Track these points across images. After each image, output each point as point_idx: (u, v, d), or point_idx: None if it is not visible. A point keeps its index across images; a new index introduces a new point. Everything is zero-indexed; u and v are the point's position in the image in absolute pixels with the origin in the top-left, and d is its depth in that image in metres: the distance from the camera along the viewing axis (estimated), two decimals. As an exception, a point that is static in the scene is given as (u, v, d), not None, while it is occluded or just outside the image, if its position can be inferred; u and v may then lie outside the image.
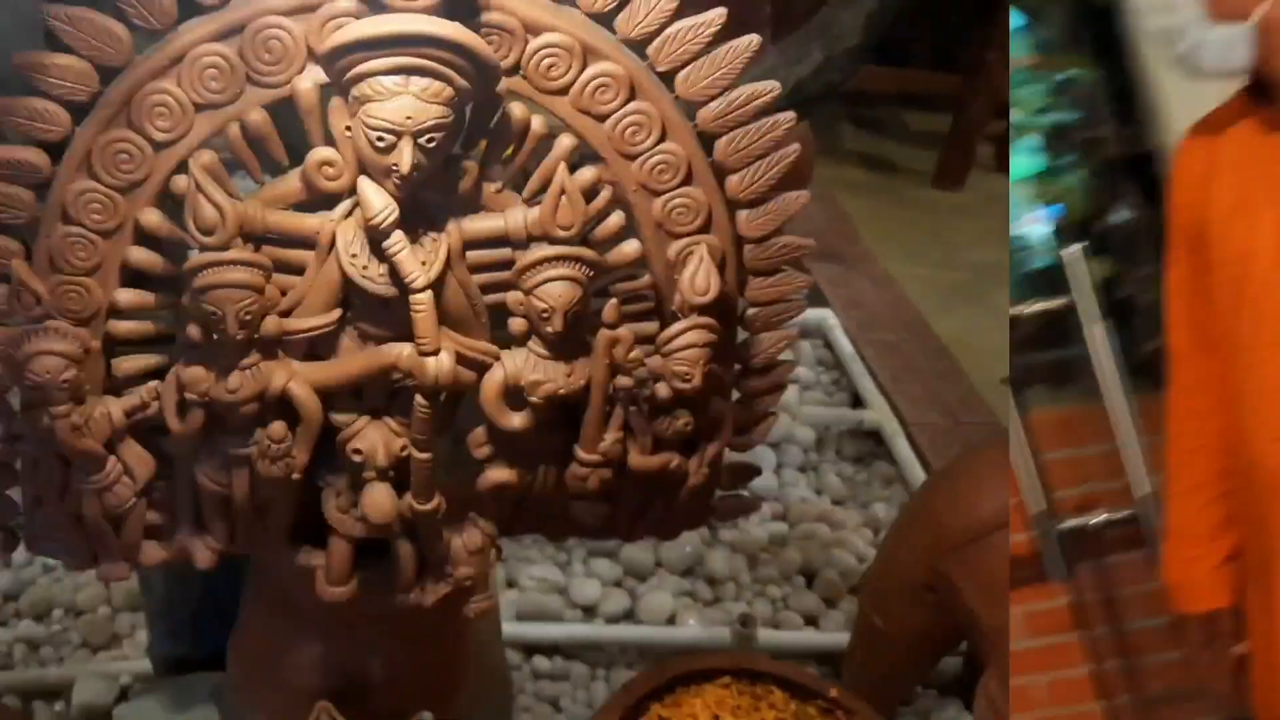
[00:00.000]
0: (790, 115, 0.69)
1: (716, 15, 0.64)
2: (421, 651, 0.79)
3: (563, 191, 0.62)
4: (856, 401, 1.59)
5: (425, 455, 0.64)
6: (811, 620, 1.29)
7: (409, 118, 0.56)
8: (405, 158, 0.56)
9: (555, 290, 0.63)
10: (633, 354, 0.67)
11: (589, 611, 1.25)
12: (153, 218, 0.61)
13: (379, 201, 0.58)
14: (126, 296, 0.63)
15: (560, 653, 1.20)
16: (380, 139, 0.56)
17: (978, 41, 2.50)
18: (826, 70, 1.16)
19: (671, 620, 1.24)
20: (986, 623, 0.94)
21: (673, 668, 0.91)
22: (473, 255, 0.63)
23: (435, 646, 0.80)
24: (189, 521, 0.70)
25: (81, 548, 0.71)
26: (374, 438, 0.64)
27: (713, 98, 0.66)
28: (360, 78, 0.56)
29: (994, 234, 2.39)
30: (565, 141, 0.64)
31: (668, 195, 0.68)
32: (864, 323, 1.71)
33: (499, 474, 0.68)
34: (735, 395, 0.77)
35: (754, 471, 0.83)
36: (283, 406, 0.63)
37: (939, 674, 1.20)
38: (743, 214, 0.70)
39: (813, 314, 1.71)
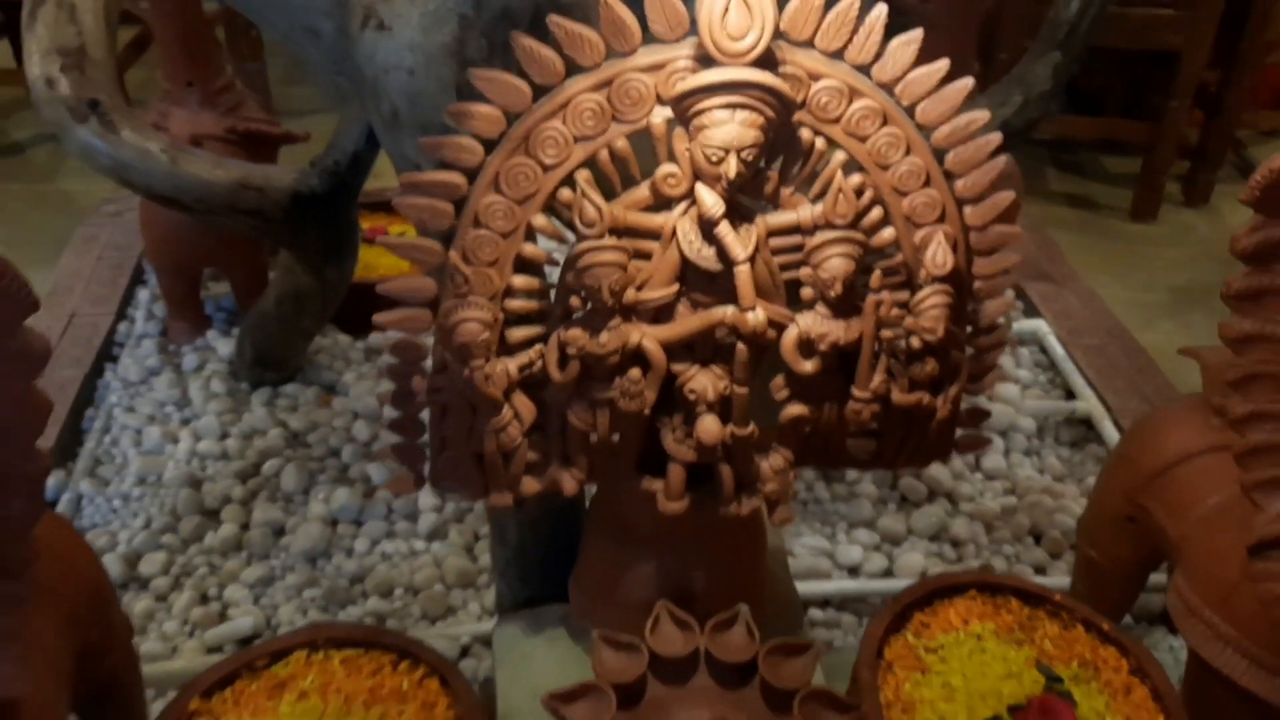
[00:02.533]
0: (998, 135, 0.85)
1: (942, 64, 0.81)
2: (732, 565, 0.96)
3: (840, 192, 0.81)
4: (1069, 395, 1.71)
5: (744, 390, 0.82)
6: (1040, 570, 1.43)
7: (734, 140, 0.76)
8: (731, 169, 0.76)
9: (836, 265, 0.81)
10: (893, 313, 0.85)
11: (853, 571, 1.42)
12: (541, 220, 0.82)
13: (711, 200, 0.78)
14: (520, 280, 0.84)
15: (831, 605, 1.37)
16: (713, 156, 0.76)
17: (1162, 92, 2.64)
18: (1025, 110, 1.33)
19: (923, 575, 1.39)
20: (1174, 535, 1.06)
21: (931, 583, 1.07)
22: (774, 242, 0.82)
23: (743, 562, 0.98)
24: (559, 458, 0.91)
25: (478, 482, 0.91)
26: (704, 380, 0.83)
27: (942, 123, 0.84)
28: (699, 112, 0.76)
29: (1185, 261, 2.54)
30: (839, 156, 0.82)
31: (913, 195, 0.84)
32: (1073, 330, 1.81)
33: (795, 409, 0.86)
34: (969, 351, 0.93)
35: (985, 414, 0.98)
36: (636, 358, 0.83)
37: (1148, 608, 1.35)
38: (968, 209, 0.87)
39: (1029, 324, 1.84)
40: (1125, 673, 1.02)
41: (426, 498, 1.50)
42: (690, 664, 0.90)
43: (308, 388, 1.71)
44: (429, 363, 0.88)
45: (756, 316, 0.79)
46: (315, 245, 1.38)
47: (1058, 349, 1.78)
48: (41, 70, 1.21)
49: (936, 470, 1.55)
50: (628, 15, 0.76)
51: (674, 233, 0.80)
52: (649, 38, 0.78)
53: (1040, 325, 1.83)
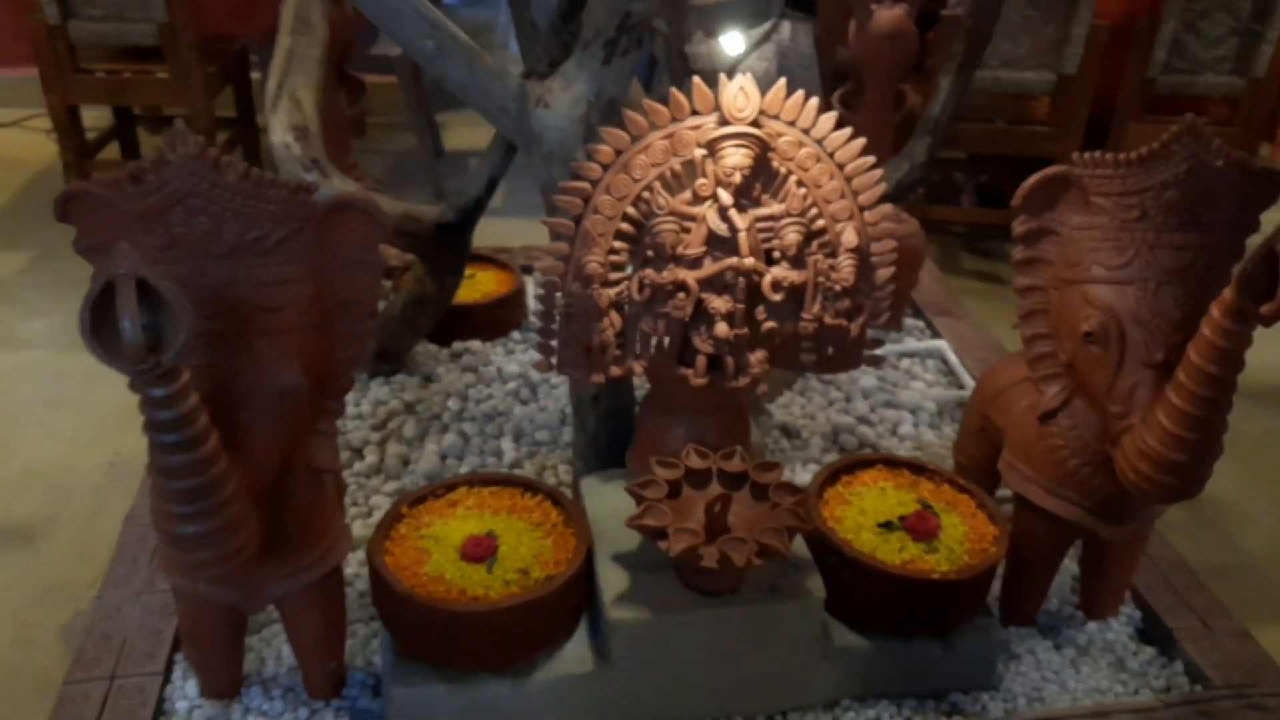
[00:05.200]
0: (881, 171, 1.50)
1: (850, 130, 1.46)
2: (732, 422, 1.56)
3: (794, 197, 1.44)
4: (960, 388, 2.34)
5: (742, 307, 1.44)
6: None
7: (738, 163, 1.39)
8: (737, 177, 1.39)
9: (791, 237, 1.43)
10: (824, 267, 1.47)
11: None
12: (633, 210, 1.45)
13: (726, 197, 1.41)
14: (618, 244, 1.45)
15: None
16: (727, 172, 1.39)
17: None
18: (910, 174, 1.99)
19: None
20: (1004, 428, 1.67)
21: (852, 458, 1.68)
22: (758, 225, 1.45)
23: (738, 420, 1.57)
24: (632, 353, 1.51)
25: (585, 366, 1.51)
26: (719, 302, 1.44)
27: (851, 162, 1.47)
28: (719, 149, 1.39)
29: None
30: (793, 179, 1.46)
31: (834, 202, 1.46)
32: (965, 347, 2.45)
33: (769, 324, 1.47)
34: (870, 297, 1.55)
35: (881, 342, 1.60)
36: (682, 287, 1.44)
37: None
38: (866, 213, 1.50)
39: (934, 344, 2.48)
40: (973, 506, 1.63)
41: (508, 441, 2.08)
42: (707, 476, 1.49)
43: (411, 377, 2.29)
44: (560, 294, 1.49)
45: (750, 262, 1.42)
46: (443, 259, 2.00)
47: (954, 359, 2.41)
48: (281, 139, 1.84)
49: (865, 431, 2.16)
50: (683, 99, 1.40)
51: (704, 216, 1.43)
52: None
53: (942, 345, 2.47)
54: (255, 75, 3.85)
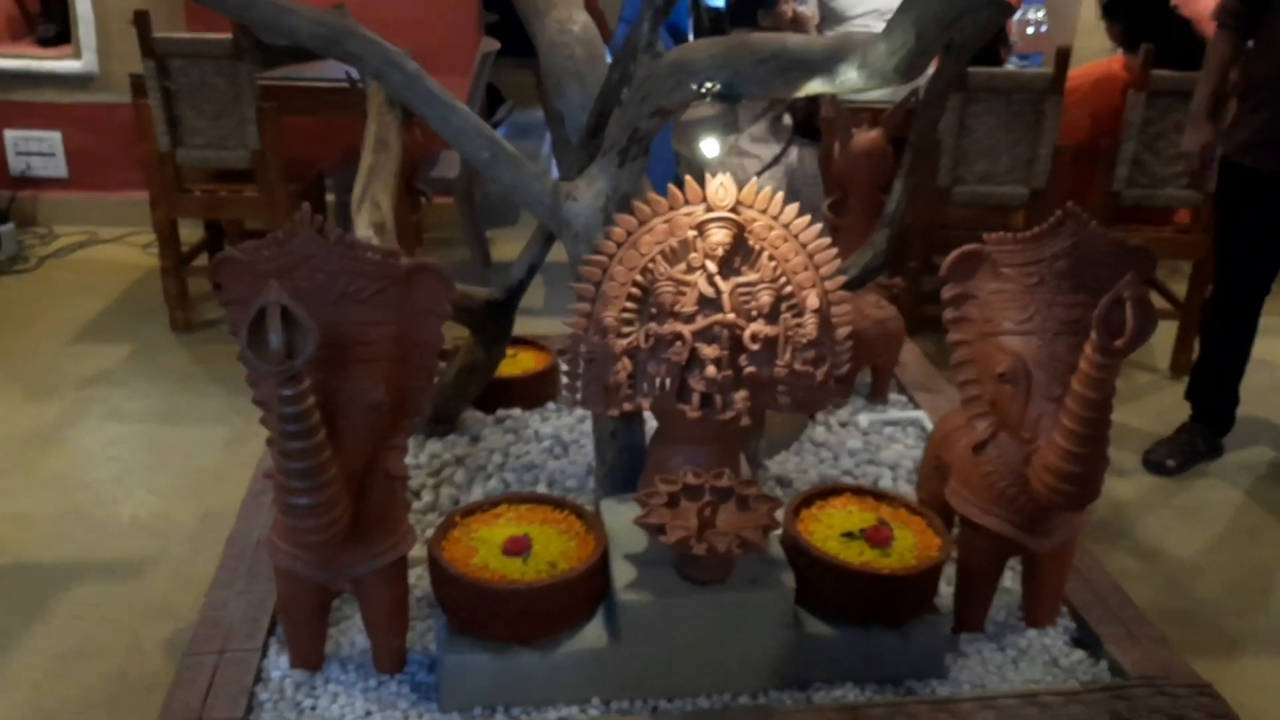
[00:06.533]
0: (835, 250, 1.88)
1: (809, 218, 1.85)
2: (722, 451, 1.91)
3: (766, 266, 1.82)
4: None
5: (727, 354, 1.80)
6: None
7: (722, 240, 1.77)
8: (720, 251, 1.77)
9: (765, 299, 1.80)
10: (793, 323, 1.84)
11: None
12: (640, 278, 1.83)
13: (712, 266, 1.79)
14: (629, 304, 1.84)
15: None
16: (713, 246, 1.77)
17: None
18: (873, 260, 2.37)
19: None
20: (951, 461, 1.99)
21: (825, 486, 2.01)
22: (738, 289, 1.82)
23: (727, 448, 1.92)
24: (640, 392, 1.87)
25: (603, 402, 1.88)
26: (709, 350, 1.80)
27: (813, 242, 1.86)
28: (707, 229, 1.78)
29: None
30: (766, 254, 1.85)
31: (800, 273, 1.84)
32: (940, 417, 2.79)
33: (750, 370, 1.83)
34: (833, 351, 1.91)
35: (848, 391, 1.95)
36: (679, 338, 1.81)
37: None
38: (827, 282, 1.87)
39: (913, 414, 2.81)
40: (924, 525, 1.95)
41: (542, 487, 2.43)
42: (700, 490, 1.83)
43: (461, 437, 2.66)
44: (583, 344, 1.86)
45: (733, 318, 1.79)
46: (492, 332, 2.39)
47: (930, 427, 2.75)
48: (364, 233, 2.26)
49: (848, 483, 2.48)
50: (678, 193, 1.80)
51: (696, 282, 1.81)
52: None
53: (921, 415, 2.81)
54: (330, 197, 4.36)
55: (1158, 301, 4.14)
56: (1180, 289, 3.98)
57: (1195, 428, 3.42)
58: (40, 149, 5.11)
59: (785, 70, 1.55)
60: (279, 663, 1.84)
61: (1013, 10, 4.07)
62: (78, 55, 4.97)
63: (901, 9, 1.35)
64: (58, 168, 5.14)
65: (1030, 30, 4.72)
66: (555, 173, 2.25)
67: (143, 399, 3.48)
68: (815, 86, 1.54)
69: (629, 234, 1.81)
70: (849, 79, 1.45)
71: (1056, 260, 1.76)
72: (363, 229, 2.27)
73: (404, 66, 1.82)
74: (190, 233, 4.47)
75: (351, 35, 1.78)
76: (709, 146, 1.87)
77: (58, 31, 5.08)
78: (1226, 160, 3.15)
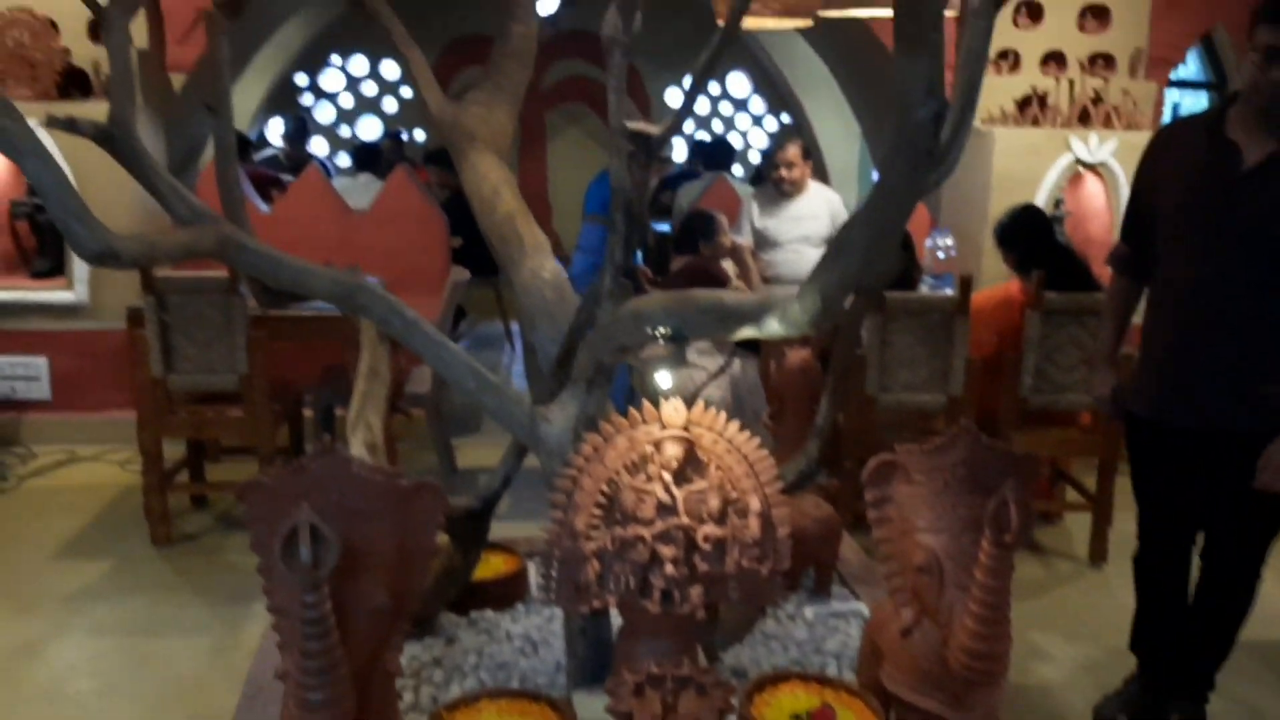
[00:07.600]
0: (771, 460, 2.17)
1: (758, 440, 2.16)
2: (682, 643, 2.13)
3: (714, 475, 2.10)
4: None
5: (682, 553, 2.06)
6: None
7: (675, 456, 2.05)
8: (674, 463, 2.05)
9: (714, 503, 2.08)
10: (738, 523, 2.10)
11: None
12: (606, 488, 2.10)
13: (667, 476, 2.07)
14: (596, 512, 2.10)
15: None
16: (669, 460, 2.06)
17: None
18: (806, 468, 2.67)
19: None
20: (886, 651, 2.23)
21: (775, 673, 2.23)
22: (691, 496, 2.10)
23: (687, 640, 2.14)
24: (608, 590, 2.10)
25: (575, 599, 2.10)
26: (666, 550, 2.06)
27: (752, 451, 2.15)
28: (661, 446, 2.07)
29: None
30: (714, 466, 2.13)
31: (742, 479, 2.14)
32: (879, 607, 3.03)
33: (703, 567, 2.08)
34: (774, 549, 2.17)
35: (795, 585, 2.20)
36: (639, 540, 2.06)
37: None
38: (767, 488, 2.15)
39: (855, 605, 3.05)
40: (863, 707, 2.16)
41: (514, 684, 2.60)
42: (664, 679, 2.04)
43: (438, 639, 2.84)
44: (557, 547, 2.11)
45: (687, 521, 2.05)
46: (468, 536, 2.63)
47: (867, 614, 2.98)
48: (358, 452, 2.52)
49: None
50: (637, 414, 2.10)
51: (654, 490, 2.08)
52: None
53: (861, 606, 3.05)
54: (307, 413, 4.63)
55: (1071, 496, 4.50)
56: (1091, 482, 4.33)
57: (1143, 680, 3.25)
58: (25, 373, 5.35)
59: (723, 319, 1.88)
60: None
61: (912, 263, 4.58)
62: (70, 287, 5.30)
63: (810, 279, 1.69)
64: (41, 390, 5.37)
65: (940, 255, 5.25)
66: (515, 381, 2.55)
67: (126, 611, 3.60)
68: (746, 332, 1.87)
69: (596, 450, 2.10)
70: (773, 328, 1.78)
71: (957, 467, 2.07)
72: (357, 448, 2.53)
73: (404, 314, 2.13)
74: (171, 450, 4.68)
75: (361, 290, 2.09)
76: (663, 379, 2.20)
77: (51, 266, 5.41)
78: (1129, 410, 3.09)
